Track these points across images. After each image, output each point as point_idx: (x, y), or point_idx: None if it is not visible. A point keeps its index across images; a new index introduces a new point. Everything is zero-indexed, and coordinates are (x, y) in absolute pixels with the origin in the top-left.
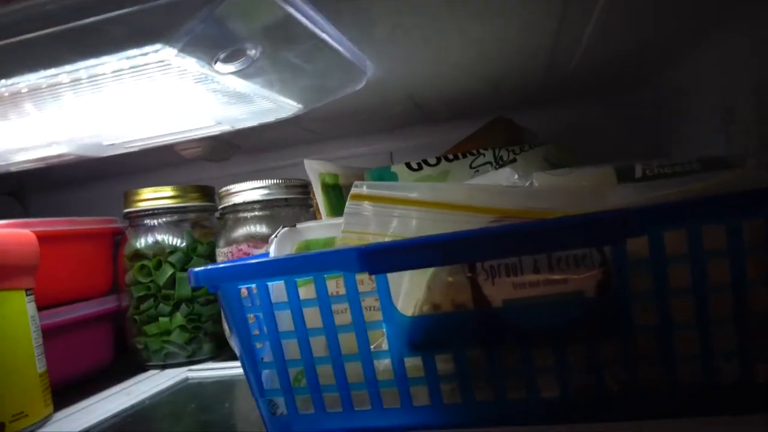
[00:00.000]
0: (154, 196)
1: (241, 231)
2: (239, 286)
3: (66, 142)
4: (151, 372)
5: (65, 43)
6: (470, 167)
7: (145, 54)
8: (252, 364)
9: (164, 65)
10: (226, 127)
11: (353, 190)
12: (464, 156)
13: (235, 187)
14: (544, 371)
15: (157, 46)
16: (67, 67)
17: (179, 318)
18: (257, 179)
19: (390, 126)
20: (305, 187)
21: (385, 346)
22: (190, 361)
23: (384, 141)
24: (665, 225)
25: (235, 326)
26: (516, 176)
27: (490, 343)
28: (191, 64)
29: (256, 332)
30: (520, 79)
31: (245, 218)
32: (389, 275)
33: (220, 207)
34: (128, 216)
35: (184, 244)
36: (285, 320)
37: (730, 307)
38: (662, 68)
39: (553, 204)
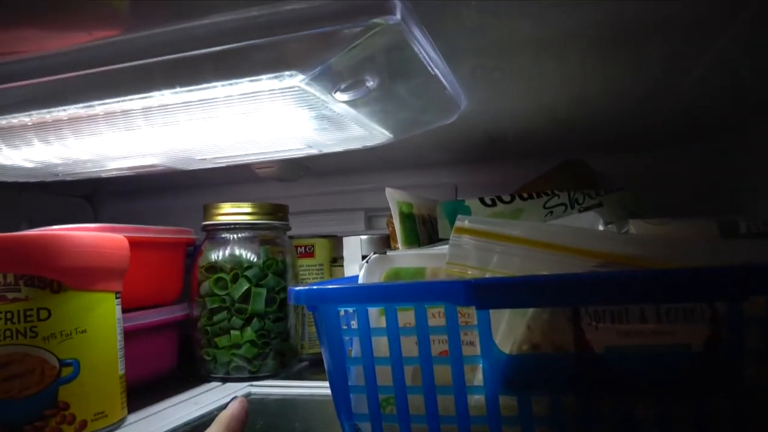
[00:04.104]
0: (234, 211)
1: None
2: (339, 309)
3: (160, 154)
4: (214, 384)
5: (211, 63)
6: (544, 207)
7: (281, 80)
8: (342, 386)
9: (290, 91)
10: (314, 151)
11: (457, 223)
12: (538, 196)
13: None
14: (644, 424)
15: (293, 72)
16: (194, 87)
17: (250, 332)
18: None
19: (455, 160)
20: None
21: (477, 382)
22: (252, 377)
23: (448, 174)
24: None
25: (329, 347)
26: (601, 221)
27: (589, 389)
28: (315, 91)
29: (350, 353)
30: (601, 124)
31: None
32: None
33: None
34: (206, 228)
35: (260, 260)
36: (377, 345)
37: None
38: (756, 122)
39: (658, 253)
